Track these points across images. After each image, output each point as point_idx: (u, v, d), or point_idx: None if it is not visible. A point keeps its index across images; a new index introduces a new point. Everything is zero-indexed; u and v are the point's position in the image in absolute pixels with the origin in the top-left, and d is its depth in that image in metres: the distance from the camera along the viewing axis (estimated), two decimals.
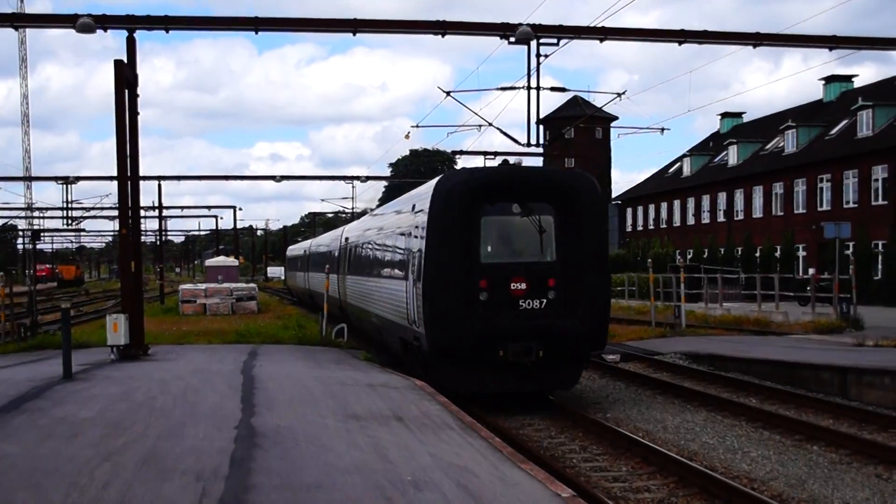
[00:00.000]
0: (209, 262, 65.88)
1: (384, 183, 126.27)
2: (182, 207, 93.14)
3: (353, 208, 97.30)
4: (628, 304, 51.64)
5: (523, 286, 19.19)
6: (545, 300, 19.32)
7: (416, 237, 20.79)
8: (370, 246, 28.58)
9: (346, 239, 35.50)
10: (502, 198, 19.63)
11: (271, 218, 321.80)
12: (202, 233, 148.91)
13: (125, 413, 14.44)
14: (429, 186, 21.21)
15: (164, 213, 79.09)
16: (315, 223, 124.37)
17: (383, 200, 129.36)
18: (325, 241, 48.07)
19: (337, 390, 17.82)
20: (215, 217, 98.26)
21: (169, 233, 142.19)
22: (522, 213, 19.64)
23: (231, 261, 65.09)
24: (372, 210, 49.71)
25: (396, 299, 22.43)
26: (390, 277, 23.79)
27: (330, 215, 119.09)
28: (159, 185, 67.11)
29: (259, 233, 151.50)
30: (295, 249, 70.40)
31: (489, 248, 19.52)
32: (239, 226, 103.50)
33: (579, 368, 20.30)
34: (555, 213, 19.69)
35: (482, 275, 19.26)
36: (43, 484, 9.80)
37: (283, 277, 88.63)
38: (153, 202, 78.07)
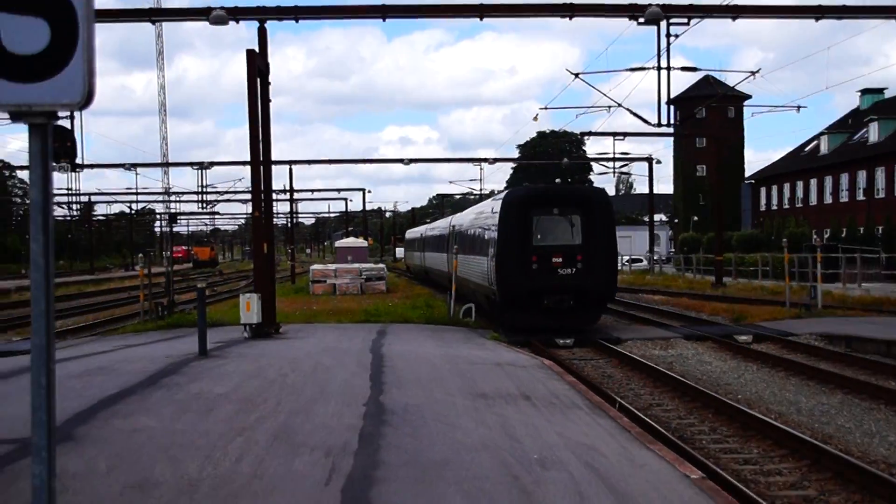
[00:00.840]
0: (339, 243, 66.88)
1: (511, 165, 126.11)
2: (313, 190, 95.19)
3: (480, 190, 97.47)
4: (761, 285, 50.53)
5: (560, 260, 29.59)
6: (574, 269, 29.56)
7: (493, 229, 30.74)
8: (469, 233, 37.79)
9: (454, 227, 44.50)
10: (547, 205, 30.06)
11: (400, 200, 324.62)
12: (332, 215, 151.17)
13: (257, 390, 14.75)
14: (500, 197, 32.28)
15: (295, 196, 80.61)
16: (443, 204, 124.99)
17: (511, 182, 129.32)
18: (438, 227, 57.97)
19: (464, 369, 17.89)
20: (345, 199, 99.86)
21: (300, 215, 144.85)
22: (559, 214, 29.99)
23: (360, 242, 65.87)
24: (473, 204, 60.64)
25: (483, 269, 32.30)
26: (480, 254, 33.34)
27: (458, 197, 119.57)
28: (290, 170, 68.35)
29: (388, 214, 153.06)
30: (412, 233, 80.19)
31: (538, 236, 29.82)
32: (368, 208, 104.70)
33: (598, 313, 30.69)
34: (580, 214, 29.83)
35: (533, 253, 29.58)
36: (179, 457, 10.08)
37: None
38: (284, 186, 79.78)
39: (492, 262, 30.35)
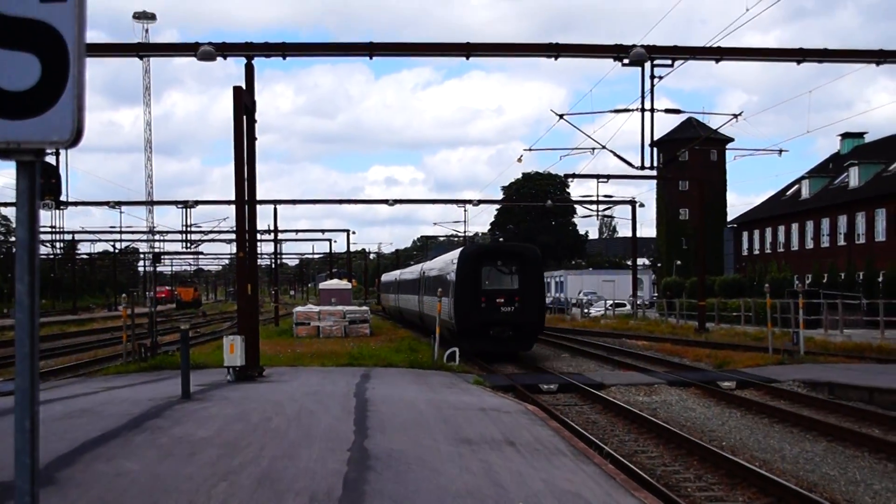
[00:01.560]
0: (323, 284, 66.75)
1: (496, 207, 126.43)
2: (297, 231, 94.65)
3: (465, 232, 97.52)
4: (744, 330, 50.65)
5: (503, 300, 38.02)
6: (513, 307, 37.94)
7: (453, 275, 39.55)
8: (436, 278, 46.86)
9: (423, 272, 54.34)
10: (493, 259, 38.75)
11: (385, 241, 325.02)
12: (316, 256, 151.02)
13: (241, 433, 14.68)
14: (458, 252, 41.29)
15: (280, 236, 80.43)
16: (427, 246, 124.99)
17: (496, 224, 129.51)
18: (410, 272, 66.63)
19: (449, 414, 17.85)
20: (329, 241, 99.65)
21: (284, 256, 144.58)
22: (503, 266, 38.46)
23: (344, 284, 65.77)
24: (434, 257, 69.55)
25: (445, 307, 38.53)
26: (444, 296, 38.75)
27: (442, 238, 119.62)
28: (275, 209, 68.34)
29: (371, 256, 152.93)
30: (388, 277, 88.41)
31: (487, 282, 38.33)
32: (352, 249, 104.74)
33: (532, 341, 39.19)
34: (518, 266, 38.21)
35: (483, 295, 38.08)
36: (162, 501, 10.01)
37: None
38: (269, 226, 79.47)
39: (452, 301, 39.08)
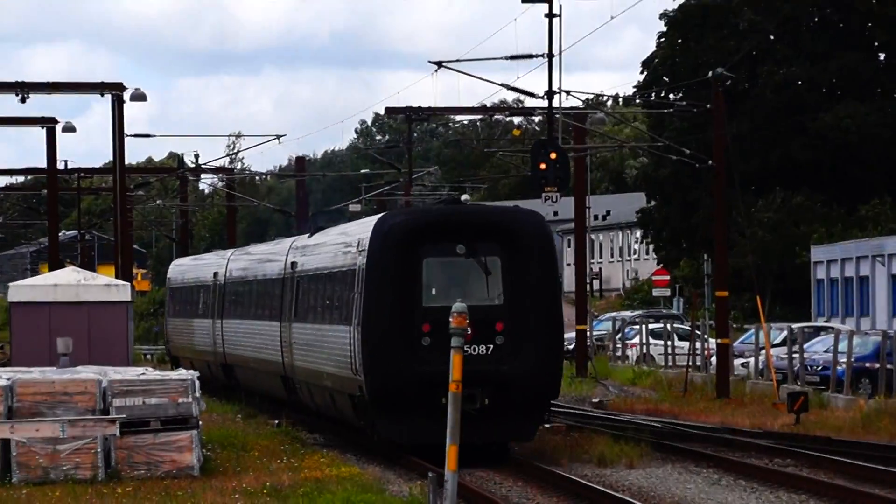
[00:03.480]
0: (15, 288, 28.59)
1: None
2: None
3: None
4: None
5: (471, 329, 15.55)
6: (492, 345, 19.85)
7: (359, 276, 20.74)
8: (317, 283, 25.23)
9: (293, 265, 27.65)
10: (447, 238, 20.23)
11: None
12: None
13: None
14: (369, 223, 21.79)
15: None
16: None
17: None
18: (258, 262, 33.13)
19: None
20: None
21: None
22: (467, 254, 20.12)
23: (96, 280, 28.61)
24: None
25: (342, 348, 21.68)
26: (337, 322, 22.40)
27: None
28: None
29: (206, 188, 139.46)
30: (184, 269, 43.34)
31: (433, 291, 20.08)
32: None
33: (536, 419, 20.65)
34: (502, 253, 20.10)
35: (425, 319, 19.75)
36: None
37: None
38: None
39: (356, 332, 20.57)
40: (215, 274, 36.40)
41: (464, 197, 24.97)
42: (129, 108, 38.83)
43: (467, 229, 20.59)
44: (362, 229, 22.09)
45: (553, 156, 30.34)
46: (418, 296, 20.14)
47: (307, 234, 29.18)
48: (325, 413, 25.99)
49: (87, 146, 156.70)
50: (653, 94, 60.39)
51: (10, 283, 30.53)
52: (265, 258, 31.84)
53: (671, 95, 62.26)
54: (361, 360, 20.22)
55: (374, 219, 22.36)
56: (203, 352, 36.81)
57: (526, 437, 20.90)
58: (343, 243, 23.70)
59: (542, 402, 20.89)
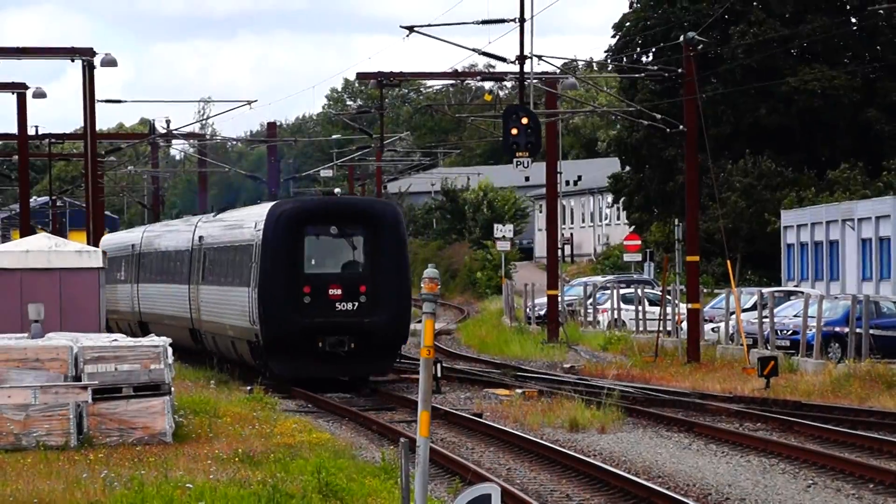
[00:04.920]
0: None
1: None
2: None
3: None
4: None
5: (339, 291, 25.68)
6: (357, 303, 25.92)
7: (256, 250, 26.59)
8: (222, 255, 30.91)
9: (201, 239, 33.36)
10: (323, 221, 26.66)
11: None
12: None
13: None
14: (263, 208, 28.16)
15: None
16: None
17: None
18: (169, 234, 39.14)
19: None
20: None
21: None
22: (339, 234, 26.45)
23: (66, 245, 26.45)
24: None
25: (243, 305, 27.43)
26: (239, 284, 28.02)
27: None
28: None
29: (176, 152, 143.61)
30: (115, 243, 46.04)
31: (313, 261, 26.43)
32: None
33: (389, 359, 27.08)
34: (365, 233, 26.36)
35: (306, 282, 25.96)
36: None
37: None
38: None
39: (254, 293, 26.26)
40: (132, 246, 41.98)
41: (336, 190, 33.38)
42: (104, 74, 38.71)
43: (339, 215, 27.19)
44: (259, 212, 28.11)
45: (525, 121, 30.19)
46: (301, 265, 26.29)
47: (212, 214, 36.23)
48: (226, 357, 30.94)
49: (62, 112, 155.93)
50: (624, 59, 60.27)
51: None
52: (174, 232, 37.97)
53: (643, 59, 62.16)
54: (258, 314, 26.02)
55: (268, 205, 28.69)
56: (124, 312, 41.47)
57: (382, 372, 27.71)
58: (243, 223, 29.78)
59: (395, 346, 27.26)
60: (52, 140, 64.06)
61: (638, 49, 62.05)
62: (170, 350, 18.87)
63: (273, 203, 28.88)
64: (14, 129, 46.91)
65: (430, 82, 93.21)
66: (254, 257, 26.81)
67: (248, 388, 26.31)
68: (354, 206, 29.89)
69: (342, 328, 25.63)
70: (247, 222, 29.14)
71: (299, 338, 25.52)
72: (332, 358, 25.68)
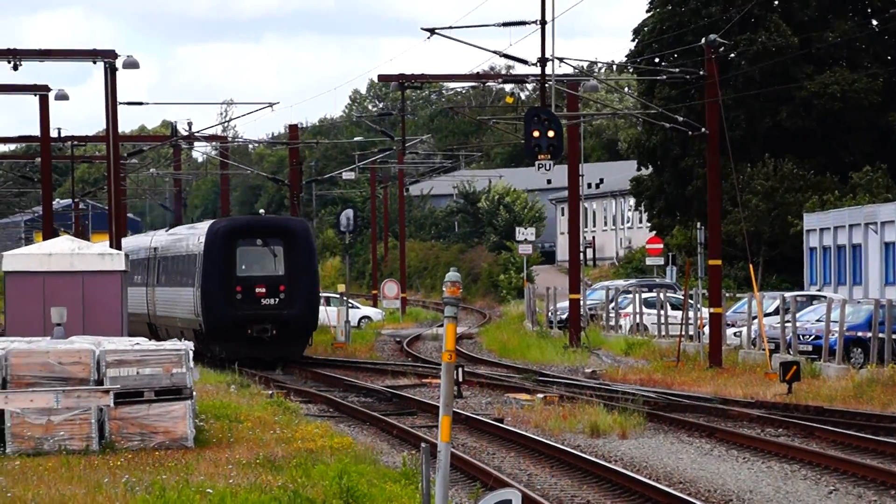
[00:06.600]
0: (10, 257, 27.72)
1: None
2: None
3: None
4: None
5: (263, 290, 32.76)
6: (277, 299, 32.81)
7: (198, 258, 33.45)
8: (173, 262, 38.32)
9: (156, 250, 41.60)
10: (251, 233, 33.78)
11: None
12: None
13: None
14: (204, 225, 35.25)
15: None
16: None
17: None
18: (133, 247, 43.35)
19: None
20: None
21: None
22: (263, 245, 33.39)
23: (95, 248, 29.87)
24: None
25: (190, 302, 34.51)
26: (187, 286, 34.73)
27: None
28: None
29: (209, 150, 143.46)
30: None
31: (243, 267, 33.20)
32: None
33: (302, 343, 34.20)
34: (283, 244, 33.21)
35: (238, 283, 32.88)
36: None
37: None
38: None
39: (198, 292, 33.23)
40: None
41: (261, 211, 45.61)
42: (128, 77, 39.84)
43: (263, 231, 34.28)
44: (201, 228, 35.18)
45: (546, 123, 30.12)
46: (234, 270, 33.01)
47: (165, 230, 44.62)
48: None
49: (86, 115, 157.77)
50: (643, 62, 59.96)
51: (4, 252, 30.55)
52: (135, 244, 45.63)
53: (663, 63, 61.88)
54: (201, 309, 33.08)
55: (208, 222, 36.04)
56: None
57: (297, 355, 34.09)
58: (189, 236, 36.91)
59: (306, 333, 34.21)
60: (75, 142, 64.34)
61: (657, 53, 61.65)
62: (191, 354, 18.56)
63: (212, 221, 36.36)
64: (37, 132, 47.10)
65: (451, 84, 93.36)
66: (198, 264, 33.67)
67: (269, 392, 26.43)
68: (275, 223, 36.65)
69: (266, 319, 32.62)
70: (192, 237, 36.24)
71: (233, 327, 32.56)
72: (258, 342, 32.48)
